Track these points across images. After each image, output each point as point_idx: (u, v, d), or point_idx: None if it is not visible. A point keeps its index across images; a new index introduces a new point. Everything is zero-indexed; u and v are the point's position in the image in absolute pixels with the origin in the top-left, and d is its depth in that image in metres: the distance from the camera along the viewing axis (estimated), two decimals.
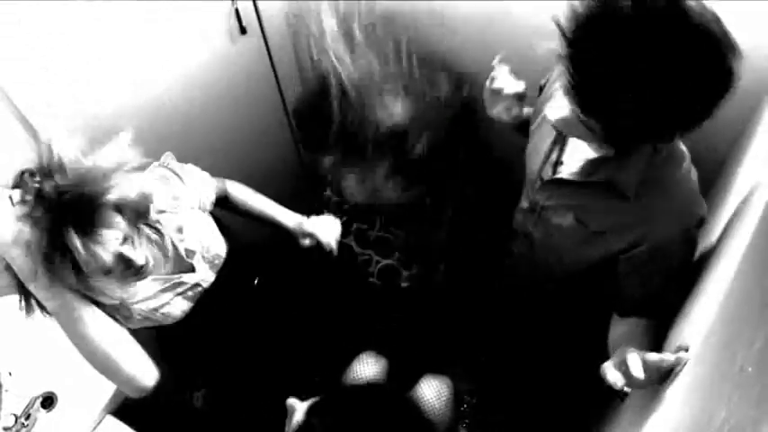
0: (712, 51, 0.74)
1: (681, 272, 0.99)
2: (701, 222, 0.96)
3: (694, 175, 0.98)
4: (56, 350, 1.25)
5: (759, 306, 0.57)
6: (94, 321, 0.96)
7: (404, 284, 1.73)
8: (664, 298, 1.00)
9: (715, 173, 1.29)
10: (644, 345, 0.95)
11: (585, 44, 0.77)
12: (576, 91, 0.80)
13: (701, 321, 0.78)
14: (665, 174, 0.94)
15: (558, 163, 1.06)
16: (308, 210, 1.43)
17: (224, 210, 1.32)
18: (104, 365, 0.99)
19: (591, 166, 0.99)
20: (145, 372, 1.02)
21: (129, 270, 0.94)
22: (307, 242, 1.37)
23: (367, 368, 1.41)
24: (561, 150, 1.06)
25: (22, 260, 0.86)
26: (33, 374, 1.25)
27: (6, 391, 1.18)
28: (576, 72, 0.78)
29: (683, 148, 0.98)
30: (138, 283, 1.05)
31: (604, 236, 1.00)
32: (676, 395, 0.72)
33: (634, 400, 0.98)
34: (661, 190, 0.93)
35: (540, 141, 1.11)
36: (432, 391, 1.35)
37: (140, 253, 0.95)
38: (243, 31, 1.61)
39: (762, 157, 0.97)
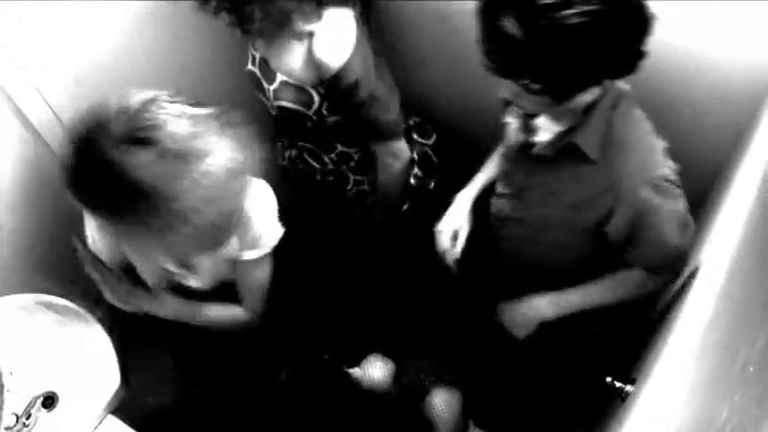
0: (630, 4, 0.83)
1: (676, 224, 1.04)
2: (671, 180, 1.01)
3: (658, 140, 1.04)
4: (57, 350, 1.25)
5: (760, 306, 0.58)
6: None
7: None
8: (672, 252, 1.06)
9: (716, 172, 1.29)
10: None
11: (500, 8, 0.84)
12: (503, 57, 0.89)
13: (698, 320, 0.78)
14: (624, 134, 1.01)
15: (530, 145, 1.12)
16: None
17: None
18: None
19: (557, 138, 1.05)
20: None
21: None
22: None
23: (375, 371, 1.41)
24: (531, 131, 1.12)
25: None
26: (34, 374, 1.25)
27: (8, 390, 1.18)
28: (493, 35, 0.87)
29: (639, 110, 1.04)
30: None
31: (577, 208, 1.07)
32: (678, 395, 0.73)
33: (635, 401, 0.99)
34: (620, 150, 1.00)
35: (514, 128, 1.19)
36: (442, 403, 1.36)
37: None
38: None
39: (762, 157, 0.97)
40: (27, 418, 1.19)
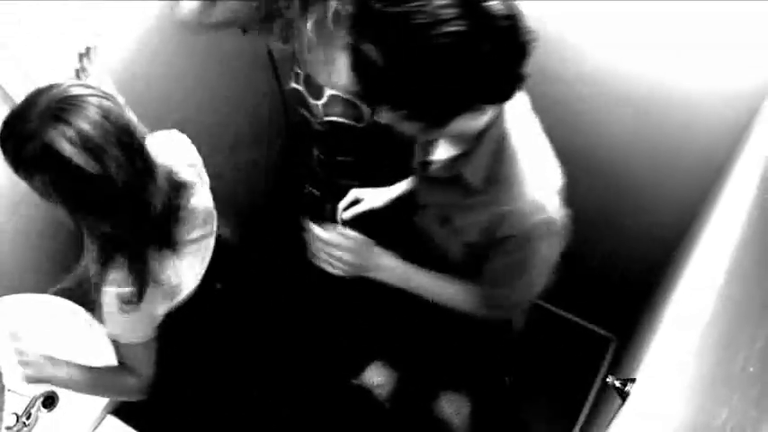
0: (499, 32, 0.78)
1: (537, 270, 1.05)
2: (549, 229, 0.99)
3: (551, 179, 1.02)
4: (57, 349, 1.25)
5: (759, 306, 0.58)
6: None
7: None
8: (505, 296, 1.10)
9: (715, 173, 1.29)
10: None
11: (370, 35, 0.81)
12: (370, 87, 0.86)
13: (697, 320, 0.79)
14: (509, 172, 0.98)
15: (429, 163, 1.12)
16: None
17: None
18: None
19: (450, 163, 1.04)
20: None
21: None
22: None
23: (376, 379, 1.41)
24: (427, 152, 1.12)
25: None
26: None
27: (8, 390, 1.18)
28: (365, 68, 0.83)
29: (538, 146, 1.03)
30: None
31: (462, 232, 1.07)
32: (677, 395, 0.73)
33: (636, 401, 0.99)
34: (504, 187, 0.98)
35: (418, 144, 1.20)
36: (451, 408, 1.36)
37: None
38: (243, 30, 1.62)
39: (761, 157, 0.97)
40: (27, 418, 1.20)
